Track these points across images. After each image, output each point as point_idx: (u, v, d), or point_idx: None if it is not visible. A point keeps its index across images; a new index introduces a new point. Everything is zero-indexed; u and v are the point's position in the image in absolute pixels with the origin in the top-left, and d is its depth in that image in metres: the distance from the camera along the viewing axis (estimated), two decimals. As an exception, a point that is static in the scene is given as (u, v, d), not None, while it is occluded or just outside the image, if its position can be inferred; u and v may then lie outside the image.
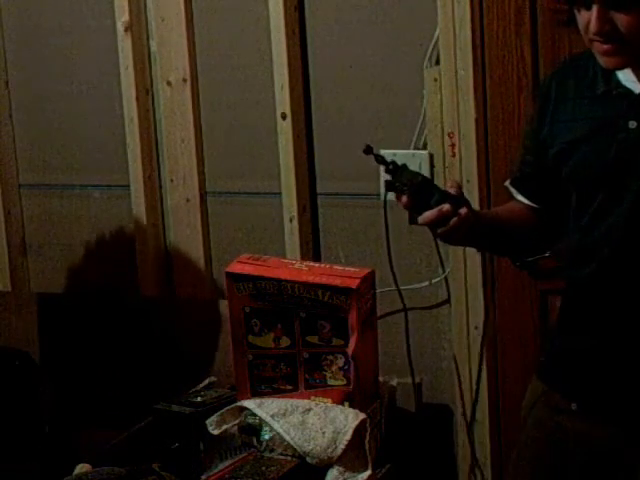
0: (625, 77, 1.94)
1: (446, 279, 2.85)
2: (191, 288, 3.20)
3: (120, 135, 3.20)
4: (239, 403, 1.76)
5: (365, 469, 1.69)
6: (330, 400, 1.70)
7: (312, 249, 3.04)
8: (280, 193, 3.03)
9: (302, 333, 1.69)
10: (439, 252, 2.54)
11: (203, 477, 1.83)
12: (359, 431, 1.68)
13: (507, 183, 2.24)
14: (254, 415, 1.73)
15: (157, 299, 3.26)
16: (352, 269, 1.70)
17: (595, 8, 1.82)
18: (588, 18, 1.84)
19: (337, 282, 1.65)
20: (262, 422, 1.72)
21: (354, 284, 1.64)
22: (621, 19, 1.81)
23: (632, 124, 1.92)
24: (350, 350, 1.66)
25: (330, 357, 1.69)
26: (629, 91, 1.93)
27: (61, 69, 3.26)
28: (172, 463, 1.85)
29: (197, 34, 3.09)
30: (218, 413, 1.77)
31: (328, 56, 2.96)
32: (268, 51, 2.97)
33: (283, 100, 2.97)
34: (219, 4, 3.06)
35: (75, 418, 3.47)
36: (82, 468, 1.88)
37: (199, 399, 1.91)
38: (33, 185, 3.38)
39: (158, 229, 3.23)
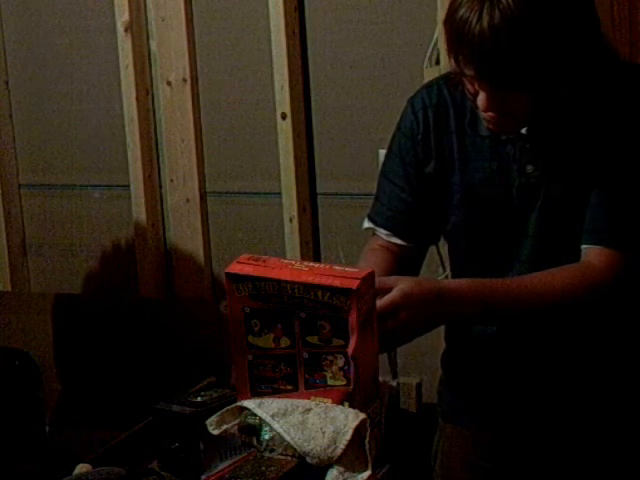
0: None
1: (446, 279, 2.85)
2: (191, 288, 3.20)
3: (120, 135, 3.20)
4: (239, 403, 1.75)
5: (365, 469, 1.69)
6: (330, 400, 1.70)
7: (312, 249, 3.04)
8: (280, 193, 3.04)
9: (302, 333, 1.69)
10: (439, 252, 2.54)
11: (203, 477, 1.83)
12: (359, 431, 1.68)
13: (370, 225, 2.06)
14: (254, 415, 1.73)
15: (157, 299, 3.26)
16: (352, 269, 1.69)
17: (485, 90, 1.75)
18: (476, 91, 1.78)
19: (337, 283, 1.64)
20: (262, 422, 1.72)
21: (354, 285, 1.63)
22: (509, 98, 1.76)
23: (529, 168, 1.87)
24: (350, 350, 1.66)
25: (330, 357, 1.69)
26: (517, 133, 1.87)
27: (61, 69, 3.27)
28: (172, 463, 1.85)
29: (197, 34, 3.09)
30: (218, 413, 1.77)
31: (328, 56, 2.96)
32: (268, 51, 2.98)
33: (283, 100, 2.97)
34: (219, 4, 3.06)
35: (75, 418, 3.47)
36: (82, 468, 1.87)
37: (199, 399, 1.91)
38: (33, 185, 3.38)
39: (158, 229, 3.23)
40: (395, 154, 2.01)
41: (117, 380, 3.37)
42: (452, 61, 1.76)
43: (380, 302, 1.72)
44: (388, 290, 1.74)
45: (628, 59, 2.69)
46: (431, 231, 2.03)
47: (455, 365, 2.11)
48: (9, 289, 3.45)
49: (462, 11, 1.71)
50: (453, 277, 2.08)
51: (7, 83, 3.34)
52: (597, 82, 1.83)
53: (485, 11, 1.68)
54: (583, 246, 1.85)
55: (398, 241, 2.01)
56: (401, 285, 1.74)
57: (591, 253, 1.84)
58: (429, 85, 2.00)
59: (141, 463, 1.86)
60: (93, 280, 3.35)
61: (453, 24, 1.73)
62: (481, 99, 1.77)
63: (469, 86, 1.79)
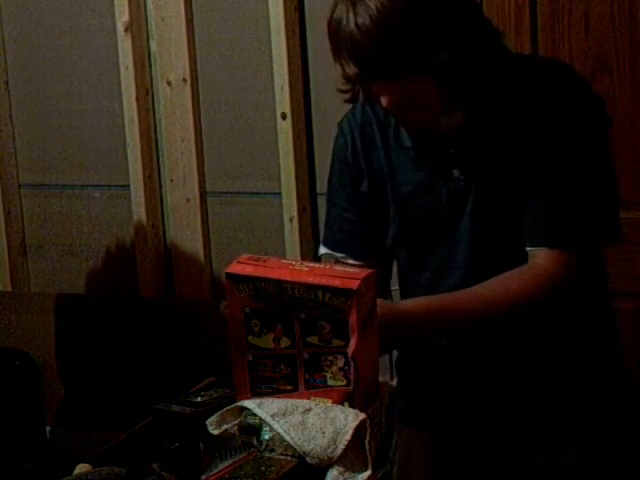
0: None
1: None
2: (191, 288, 3.21)
3: (120, 135, 3.20)
4: (239, 403, 1.76)
5: (365, 469, 1.69)
6: (330, 400, 1.70)
7: (312, 249, 3.04)
8: (280, 193, 3.04)
9: (302, 334, 1.69)
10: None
11: (203, 477, 1.83)
12: (359, 431, 1.68)
13: (326, 251, 2.05)
14: (254, 415, 1.73)
15: (157, 299, 3.26)
16: (353, 270, 1.69)
17: (378, 84, 1.77)
18: (376, 94, 1.79)
19: (337, 283, 1.64)
20: (262, 422, 1.72)
21: (354, 285, 1.64)
22: (406, 89, 1.76)
23: (456, 172, 1.87)
24: (350, 351, 1.66)
25: (330, 358, 1.69)
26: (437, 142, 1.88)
27: (61, 69, 3.27)
28: (172, 463, 1.86)
29: (197, 34, 3.09)
30: (218, 413, 1.77)
31: (328, 56, 2.95)
32: (268, 51, 2.98)
33: (283, 100, 2.97)
34: (219, 4, 3.06)
35: (75, 418, 3.48)
36: (82, 468, 1.87)
37: (199, 399, 1.91)
38: (33, 185, 3.38)
39: (158, 229, 3.23)
40: (335, 177, 2.03)
41: (117, 380, 3.37)
42: (336, 65, 1.79)
43: None
44: None
45: (629, 59, 2.69)
46: (382, 248, 2.02)
47: (408, 370, 2.12)
48: (9, 289, 3.45)
49: (336, 12, 1.75)
50: (400, 290, 2.07)
51: (7, 83, 3.34)
52: (498, 75, 1.82)
53: (352, 10, 1.71)
54: (528, 248, 1.85)
55: (353, 262, 2.00)
56: None
57: (538, 255, 1.83)
58: (354, 107, 2.01)
59: (141, 463, 1.87)
60: (93, 280, 3.35)
61: (330, 26, 1.77)
62: (382, 99, 1.78)
63: (371, 92, 1.80)
